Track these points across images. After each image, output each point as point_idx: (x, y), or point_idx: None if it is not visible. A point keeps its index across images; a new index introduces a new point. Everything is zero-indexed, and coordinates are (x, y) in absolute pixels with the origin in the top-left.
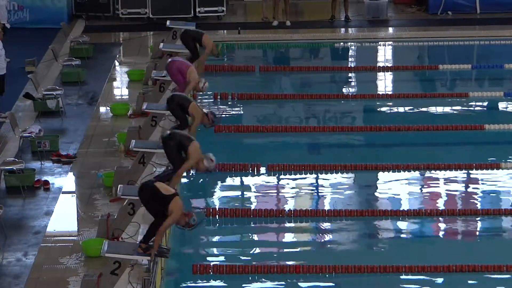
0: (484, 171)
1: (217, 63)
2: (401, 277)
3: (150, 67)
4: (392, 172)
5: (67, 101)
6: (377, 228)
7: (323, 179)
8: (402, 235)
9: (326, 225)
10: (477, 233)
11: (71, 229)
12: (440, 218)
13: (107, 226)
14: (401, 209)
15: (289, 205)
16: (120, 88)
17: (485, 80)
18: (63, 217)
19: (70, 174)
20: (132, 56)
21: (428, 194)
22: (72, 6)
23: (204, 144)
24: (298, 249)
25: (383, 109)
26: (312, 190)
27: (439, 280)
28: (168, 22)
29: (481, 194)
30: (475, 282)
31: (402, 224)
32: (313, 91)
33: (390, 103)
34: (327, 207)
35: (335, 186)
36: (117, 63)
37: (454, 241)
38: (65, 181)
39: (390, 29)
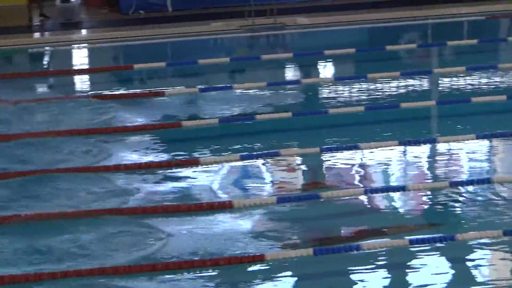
0: (183, 169)
1: None
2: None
3: None
4: None
5: None
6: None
7: None
8: None
9: None
10: None
11: None
12: None
13: None
14: None
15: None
16: None
17: (180, 77)
18: None
19: None
20: None
21: None
22: None
23: None
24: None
25: (83, 110)
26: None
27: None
28: None
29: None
30: None
31: None
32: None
33: (84, 105)
34: None
35: None
36: None
37: None
38: None
39: (84, 31)
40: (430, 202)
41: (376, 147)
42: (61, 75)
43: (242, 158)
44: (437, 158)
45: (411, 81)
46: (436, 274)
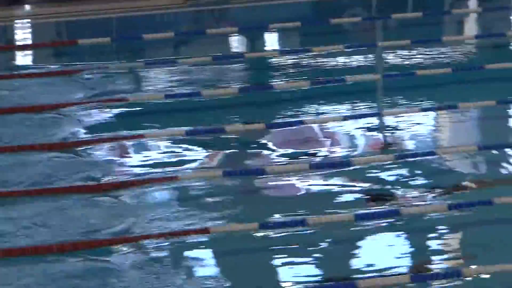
0: (128, 143)
1: None
2: None
3: None
4: None
5: None
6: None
7: None
8: None
9: None
10: None
11: None
12: None
13: None
14: None
15: None
16: None
17: (126, 52)
18: None
19: None
20: None
21: None
22: None
23: None
24: None
25: (26, 87)
26: None
27: None
28: None
29: None
30: None
31: None
32: None
33: (29, 82)
34: None
35: None
36: None
37: None
38: None
39: (27, 7)
40: (375, 176)
41: (321, 122)
42: (1, 51)
43: (187, 133)
44: (382, 131)
45: (355, 55)
46: (382, 249)
